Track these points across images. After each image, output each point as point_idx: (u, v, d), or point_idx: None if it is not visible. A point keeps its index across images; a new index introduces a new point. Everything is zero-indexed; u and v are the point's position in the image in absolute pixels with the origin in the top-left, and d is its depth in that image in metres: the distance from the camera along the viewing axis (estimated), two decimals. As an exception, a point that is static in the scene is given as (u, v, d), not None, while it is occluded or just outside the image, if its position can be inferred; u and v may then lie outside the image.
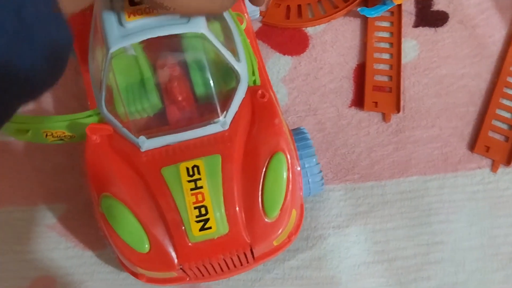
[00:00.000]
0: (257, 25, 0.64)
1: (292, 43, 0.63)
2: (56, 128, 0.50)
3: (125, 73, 0.48)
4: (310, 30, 0.63)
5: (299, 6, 0.64)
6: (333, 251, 0.54)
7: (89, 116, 0.49)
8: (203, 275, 0.48)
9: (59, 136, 0.51)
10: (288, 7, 0.64)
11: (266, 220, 0.47)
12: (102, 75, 0.47)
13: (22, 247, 0.57)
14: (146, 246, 0.46)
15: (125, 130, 0.48)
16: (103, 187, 0.47)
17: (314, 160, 0.51)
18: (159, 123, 0.48)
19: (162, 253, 0.46)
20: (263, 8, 0.64)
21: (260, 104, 0.49)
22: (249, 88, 0.50)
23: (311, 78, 0.61)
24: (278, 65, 0.62)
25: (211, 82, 0.47)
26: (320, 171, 0.51)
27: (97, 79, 0.49)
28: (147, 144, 0.47)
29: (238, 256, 0.47)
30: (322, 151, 0.57)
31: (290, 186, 0.47)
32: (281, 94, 0.60)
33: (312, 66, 0.62)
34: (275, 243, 0.48)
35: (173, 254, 0.46)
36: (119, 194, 0.46)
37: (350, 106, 0.59)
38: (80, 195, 0.58)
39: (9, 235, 0.57)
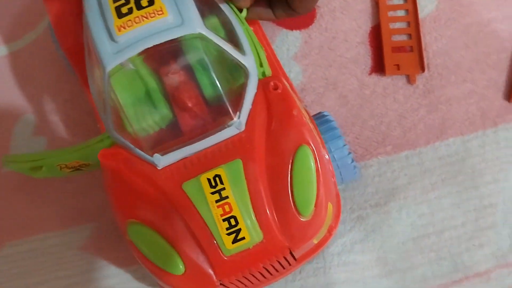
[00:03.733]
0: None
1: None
2: (69, 159, 0.44)
3: (128, 89, 0.41)
4: (315, -1, 0.56)
5: (300, -25, 0.56)
6: (375, 231, 0.47)
7: (100, 141, 0.43)
8: (246, 286, 0.43)
9: (75, 167, 0.45)
10: (289, -22, 0.57)
11: (301, 219, 0.40)
12: (105, 96, 0.41)
13: (62, 273, 0.51)
14: (181, 267, 0.40)
15: (138, 151, 0.41)
16: (127, 214, 0.41)
17: (341, 142, 0.44)
18: (171, 137, 0.42)
19: (198, 272, 0.40)
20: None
21: (275, 96, 0.42)
22: (260, 81, 0.42)
23: (325, 50, 0.53)
24: (287, 43, 0.54)
25: (218, 82, 0.41)
26: (350, 153, 0.44)
27: (100, 100, 0.43)
28: (163, 161, 0.41)
29: (279, 261, 0.41)
30: (348, 126, 0.50)
31: (321, 178, 0.40)
32: (295, 72, 0.53)
33: (323, 37, 0.54)
34: (315, 241, 0.42)
35: (210, 271, 0.40)
36: (145, 218, 0.40)
37: (370, 74, 0.52)
38: (106, 212, 0.52)
39: (48, 263, 0.52)
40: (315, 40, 0.54)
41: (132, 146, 0.41)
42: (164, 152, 0.41)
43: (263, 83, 0.42)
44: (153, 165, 0.41)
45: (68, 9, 0.48)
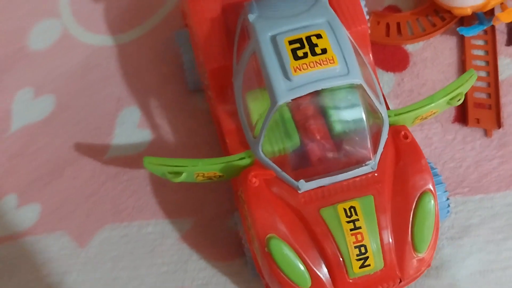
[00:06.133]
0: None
1: (394, 59, 0.59)
2: (210, 170, 0.46)
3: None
4: (409, 47, 0.59)
5: (398, 24, 0.60)
6: (450, 261, 0.52)
7: (242, 158, 0.46)
8: None
9: (209, 177, 0.47)
10: (388, 25, 0.60)
11: (415, 255, 0.44)
12: (263, 124, 0.43)
13: (155, 260, 0.54)
14: (308, 281, 0.43)
15: (284, 174, 0.44)
16: (268, 228, 0.43)
17: (443, 188, 0.49)
18: (314, 165, 0.45)
19: (322, 287, 0.44)
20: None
21: (404, 144, 0.46)
22: (390, 128, 0.46)
23: (415, 94, 0.57)
24: (382, 82, 0.58)
25: (366, 127, 0.44)
26: (448, 199, 0.49)
27: (249, 125, 0.46)
28: (305, 186, 0.44)
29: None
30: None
31: (438, 223, 0.45)
32: (388, 111, 0.57)
33: (414, 82, 0.58)
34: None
35: None
36: (283, 234, 0.43)
37: (453, 122, 0.56)
38: (205, 210, 0.55)
39: (142, 250, 0.54)
40: (406, 84, 0.58)
41: (279, 169, 0.44)
42: (307, 179, 0.44)
43: (393, 130, 0.46)
44: (293, 188, 0.44)
45: (216, 29, 0.49)
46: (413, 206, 0.44)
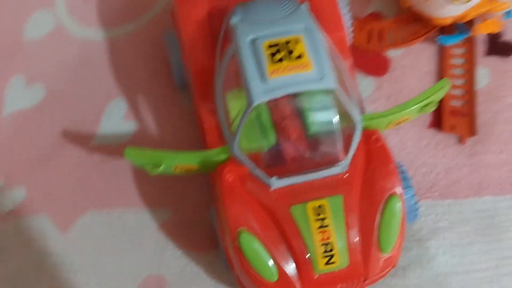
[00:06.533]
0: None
1: (374, 64, 0.60)
2: (188, 162, 0.48)
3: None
4: (390, 53, 0.61)
5: (380, 31, 0.61)
6: (416, 262, 0.53)
7: (220, 153, 0.47)
8: None
9: (187, 170, 0.49)
10: (370, 31, 0.61)
11: (380, 255, 0.46)
12: (240, 122, 0.45)
13: (133, 247, 0.56)
14: (275, 275, 0.45)
15: (258, 171, 0.46)
16: (239, 223, 0.45)
17: (412, 192, 0.50)
18: (288, 166, 0.47)
19: (288, 283, 0.45)
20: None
21: (375, 148, 0.47)
22: (363, 131, 0.48)
23: (392, 100, 0.59)
24: (361, 86, 0.59)
25: (338, 130, 0.46)
26: (416, 202, 0.51)
27: (226, 122, 0.47)
28: (277, 184, 0.46)
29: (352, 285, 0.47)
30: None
31: (404, 225, 0.47)
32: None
33: (393, 88, 0.59)
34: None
35: (298, 284, 0.45)
36: (254, 229, 0.45)
37: (429, 127, 0.58)
38: (184, 201, 0.57)
39: (121, 237, 0.56)
40: (385, 90, 0.59)
41: (254, 166, 0.46)
42: (279, 176, 0.46)
43: (365, 134, 0.48)
44: (266, 185, 0.46)
45: (202, 31, 0.51)
46: (380, 208, 0.46)
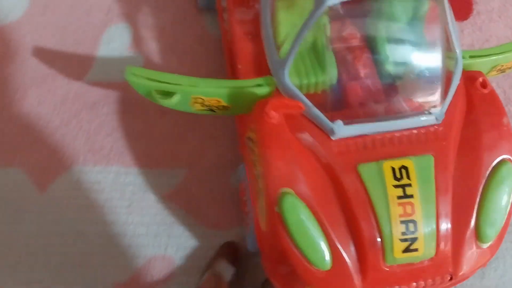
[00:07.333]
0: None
1: (454, 5, 0.46)
2: (212, 95, 0.33)
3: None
4: (474, -8, 0.47)
5: (465, -37, 0.47)
6: (498, 259, 0.41)
7: (259, 85, 0.33)
8: None
9: (210, 106, 0.34)
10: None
11: (477, 246, 0.31)
12: (299, 35, 0.31)
13: (134, 218, 0.41)
14: (328, 262, 0.30)
15: (316, 111, 0.31)
16: (283, 181, 0.30)
17: None
18: (356, 110, 0.32)
19: (344, 274, 0.30)
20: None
21: (481, 96, 0.33)
22: (463, 73, 0.34)
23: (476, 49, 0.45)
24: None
25: (441, 63, 0.32)
26: None
27: (275, 41, 0.33)
28: (343, 131, 0.31)
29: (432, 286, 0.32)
30: None
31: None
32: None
33: (476, 36, 0.46)
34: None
35: (358, 277, 0.30)
36: (303, 192, 0.30)
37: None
38: (201, 161, 0.42)
39: (117, 203, 0.41)
40: (467, 37, 0.45)
41: (310, 104, 0.31)
42: (347, 121, 0.31)
43: (467, 76, 0.34)
44: (326, 133, 0.31)
45: None
46: (485, 177, 0.32)
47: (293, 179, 0.31)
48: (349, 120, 0.31)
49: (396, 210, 0.30)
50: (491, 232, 0.31)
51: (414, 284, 0.31)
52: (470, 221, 0.31)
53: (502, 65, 0.36)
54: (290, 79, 0.32)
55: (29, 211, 0.41)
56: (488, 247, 0.32)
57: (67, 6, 0.47)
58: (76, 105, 0.44)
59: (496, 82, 0.44)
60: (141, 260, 0.39)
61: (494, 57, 0.35)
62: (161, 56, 0.45)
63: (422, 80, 0.33)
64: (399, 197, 0.30)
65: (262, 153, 0.31)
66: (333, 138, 0.31)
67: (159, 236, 0.40)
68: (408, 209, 0.30)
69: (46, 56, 0.45)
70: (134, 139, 0.43)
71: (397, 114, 0.32)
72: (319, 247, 0.30)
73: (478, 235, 0.31)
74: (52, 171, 0.42)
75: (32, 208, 0.41)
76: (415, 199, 0.30)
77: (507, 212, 0.32)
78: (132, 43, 0.46)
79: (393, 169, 0.31)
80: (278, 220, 0.30)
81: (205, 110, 0.35)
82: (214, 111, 0.35)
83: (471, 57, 0.35)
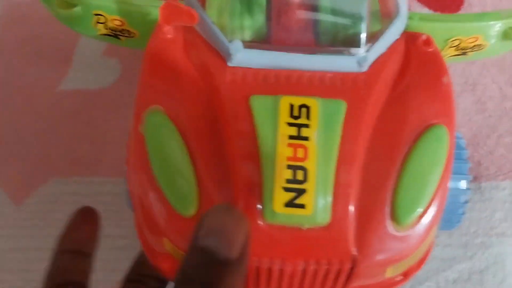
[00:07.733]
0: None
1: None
2: (113, 12, 0.29)
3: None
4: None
5: None
6: (497, 264, 0.36)
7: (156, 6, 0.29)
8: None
9: (114, 29, 0.30)
10: None
11: (391, 229, 0.24)
12: None
13: (113, 230, 0.37)
14: (192, 206, 0.24)
15: (214, 28, 0.27)
16: (154, 98, 0.26)
17: (464, 182, 0.29)
18: (262, 34, 0.27)
19: None
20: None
21: (422, 54, 0.28)
22: (405, 31, 0.29)
23: (468, 50, 0.40)
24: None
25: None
26: (467, 202, 0.29)
27: None
28: (240, 55, 0.26)
29: (327, 272, 0.24)
30: (482, 137, 0.39)
31: (445, 181, 0.25)
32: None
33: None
34: (387, 274, 0.26)
35: None
36: (177, 114, 0.25)
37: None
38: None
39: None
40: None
41: (209, 19, 0.27)
42: (247, 45, 0.26)
43: (410, 35, 0.28)
44: (222, 58, 0.26)
45: None
46: (410, 143, 0.25)
47: (168, 98, 0.26)
48: (251, 45, 0.26)
49: (285, 151, 0.24)
50: (410, 212, 0.24)
51: (303, 263, 0.24)
52: (385, 195, 0.24)
53: (460, 40, 0.29)
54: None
55: (5, 226, 0.39)
56: (406, 232, 0.24)
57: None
58: (53, 115, 0.42)
59: (491, 78, 0.39)
60: (120, 274, 0.35)
61: (450, 24, 0.29)
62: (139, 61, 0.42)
63: (346, 19, 0.27)
64: (291, 137, 0.24)
65: (142, 68, 0.27)
66: (229, 64, 0.26)
67: (138, 248, 0.35)
68: (300, 152, 0.24)
69: (19, 65, 0.44)
70: (113, 148, 0.40)
71: (312, 49, 0.26)
72: (183, 182, 0.24)
73: (394, 215, 0.24)
74: (29, 184, 0.40)
75: (8, 223, 0.39)
76: (310, 142, 0.24)
77: (434, 186, 0.24)
78: (106, 48, 0.43)
79: (292, 106, 0.25)
80: (140, 143, 0.25)
81: (110, 35, 0.31)
82: (119, 38, 0.31)
83: (421, 19, 0.29)
